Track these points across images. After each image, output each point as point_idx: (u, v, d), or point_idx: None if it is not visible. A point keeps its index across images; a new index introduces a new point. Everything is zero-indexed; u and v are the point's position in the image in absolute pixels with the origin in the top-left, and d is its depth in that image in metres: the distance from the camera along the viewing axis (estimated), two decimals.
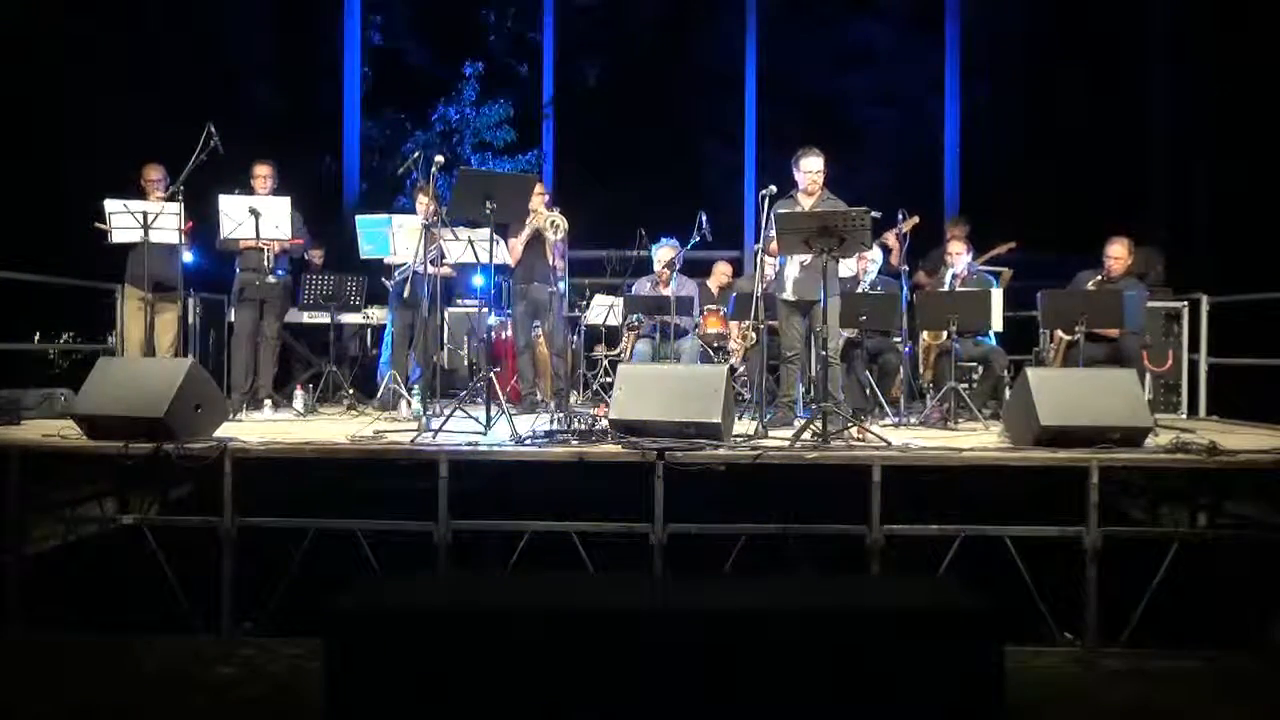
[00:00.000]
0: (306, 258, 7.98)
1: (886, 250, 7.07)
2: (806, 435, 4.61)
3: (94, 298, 6.93)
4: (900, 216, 6.77)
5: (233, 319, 7.18)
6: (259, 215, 6.12)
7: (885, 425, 5.60)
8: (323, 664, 2.94)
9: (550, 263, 6.55)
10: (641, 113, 11.72)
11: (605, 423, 4.50)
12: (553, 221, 6.37)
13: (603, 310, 7.68)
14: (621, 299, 7.30)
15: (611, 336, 7.77)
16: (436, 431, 4.62)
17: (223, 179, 6.28)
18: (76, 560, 4.56)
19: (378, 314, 7.61)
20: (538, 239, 6.50)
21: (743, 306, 6.77)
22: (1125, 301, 5.71)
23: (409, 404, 6.01)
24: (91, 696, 3.69)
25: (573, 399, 6.68)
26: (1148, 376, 6.40)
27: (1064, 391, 4.42)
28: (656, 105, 11.83)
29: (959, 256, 6.56)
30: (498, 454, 4.33)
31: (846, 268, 6.55)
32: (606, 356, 7.63)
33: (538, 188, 6.69)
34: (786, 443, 4.49)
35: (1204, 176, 9.44)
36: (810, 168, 5.43)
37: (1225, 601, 4.31)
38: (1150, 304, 6.64)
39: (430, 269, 5.91)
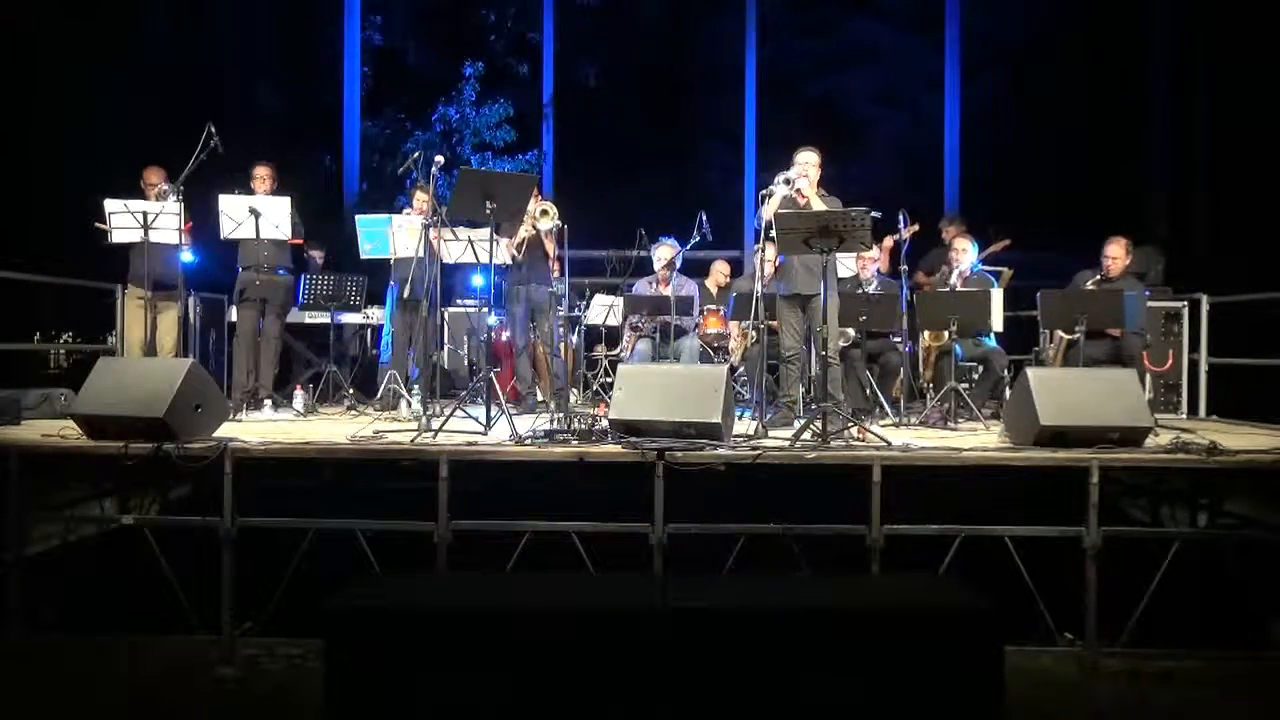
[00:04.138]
0: (306, 256, 7.98)
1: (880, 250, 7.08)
2: (806, 435, 4.61)
3: (94, 298, 6.93)
4: (901, 221, 6.74)
5: (233, 319, 7.18)
6: (259, 215, 6.13)
7: (885, 425, 5.60)
8: (323, 664, 2.95)
9: (549, 261, 6.56)
10: (641, 113, 11.72)
11: (605, 423, 4.50)
12: (543, 210, 6.37)
13: (603, 310, 7.68)
14: (621, 299, 7.30)
15: (611, 336, 7.77)
16: (436, 431, 4.62)
17: (223, 179, 6.29)
18: (76, 560, 4.56)
19: (377, 314, 7.62)
20: (535, 238, 6.51)
21: (743, 306, 6.77)
22: (1125, 301, 5.71)
23: (409, 404, 6.01)
24: (91, 696, 3.69)
25: (573, 399, 6.68)
26: (1148, 376, 6.40)
27: (1064, 391, 4.42)
28: (656, 105, 11.83)
29: (964, 254, 6.54)
30: (498, 454, 4.33)
31: (846, 268, 6.55)
32: (606, 356, 7.63)
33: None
34: (786, 443, 4.49)
35: (1204, 176, 9.43)
36: (800, 160, 5.46)
37: (1225, 601, 4.31)
38: (1150, 304, 6.64)
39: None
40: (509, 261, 6.63)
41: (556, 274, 6.72)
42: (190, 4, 9.63)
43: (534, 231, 6.50)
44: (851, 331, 6.37)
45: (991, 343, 6.41)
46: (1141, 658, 4.06)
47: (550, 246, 6.53)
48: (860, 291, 6.52)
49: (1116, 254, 6.16)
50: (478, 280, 7.50)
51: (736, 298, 7.03)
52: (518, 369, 6.86)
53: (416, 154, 6.29)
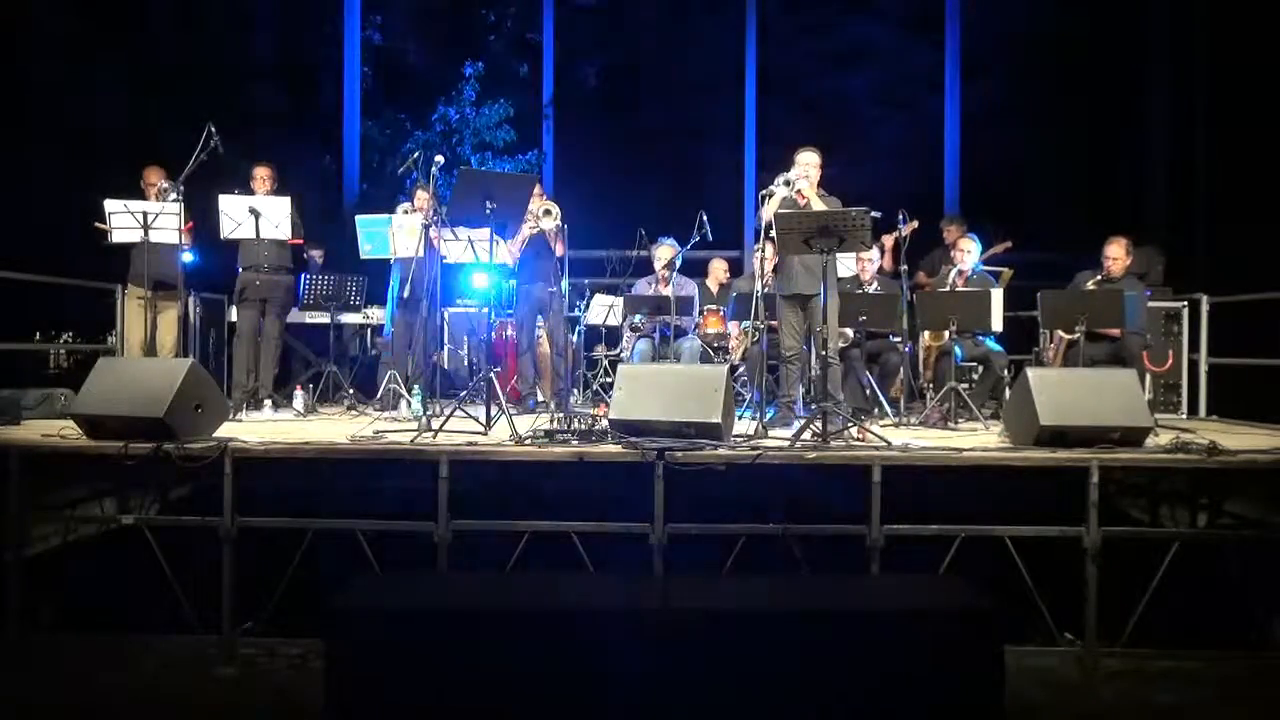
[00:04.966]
0: (306, 256, 7.98)
1: (883, 251, 7.09)
2: (806, 435, 4.61)
3: (94, 298, 6.93)
4: (901, 219, 6.76)
5: (233, 319, 7.18)
6: (259, 215, 6.13)
7: (885, 425, 5.60)
8: (323, 664, 2.95)
9: (554, 258, 6.55)
10: (641, 113, 11.71)
11: (605, 423, 4.50)
12: (546, 210, 6.38)
13: (603, 310, 7.68)
14: (621, 299, 7.30)
15: (611, 336, 7.77)
16: (436, 431, 4.62)
17: (223, 179, 6.29)
18: (76, 560, 4.56)
19: (378, 314, 7.62)
20: (539, 236, 6.52)
21: (743, 306, 6.77)
22: (1125, 301, 5.71)
23: (409, 404, 6.01)
24: (92, 696, 3.69)
25: (573, 399, 6.68)
26: (1148, 376, 6.40)
27: (1064, 391, 4.42)
28: (656, 105, 11.82)
29: (968, 254, 6.54)
30: (498, 454, 4.33)
31: (846, 268, 6.55)
32: (606, 356, 7.63)
33: (535, 189, 6.69)
34: (786, 443, 4.49)
35: (1204, 176, 9.44)
36: (800, 161, 5.46)
37: (1225, 601, 4.31)
38: (1150, 304, 6.64)
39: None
40: (509, 262, 6.64)
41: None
42: (190, 4, 9.64)
43: (536, 230, 6.51)
44: (850, 331, 6.37)
45: (992, 343, 6.41)
46: (1141, 658, 4.06)
47: (557, 246, 6.52)
48: (860, 291, 6.53)
49: (1117, 254, 6.16)
50: (478, 281, 7.46)
51: (736, 298, 7.03)
52: (520, 368, 6.86)
53: (416, 154, 6.30)
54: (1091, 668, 4.02)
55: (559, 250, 6.51)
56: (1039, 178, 10.34)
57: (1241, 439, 4.97)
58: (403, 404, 6.11)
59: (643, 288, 7.06)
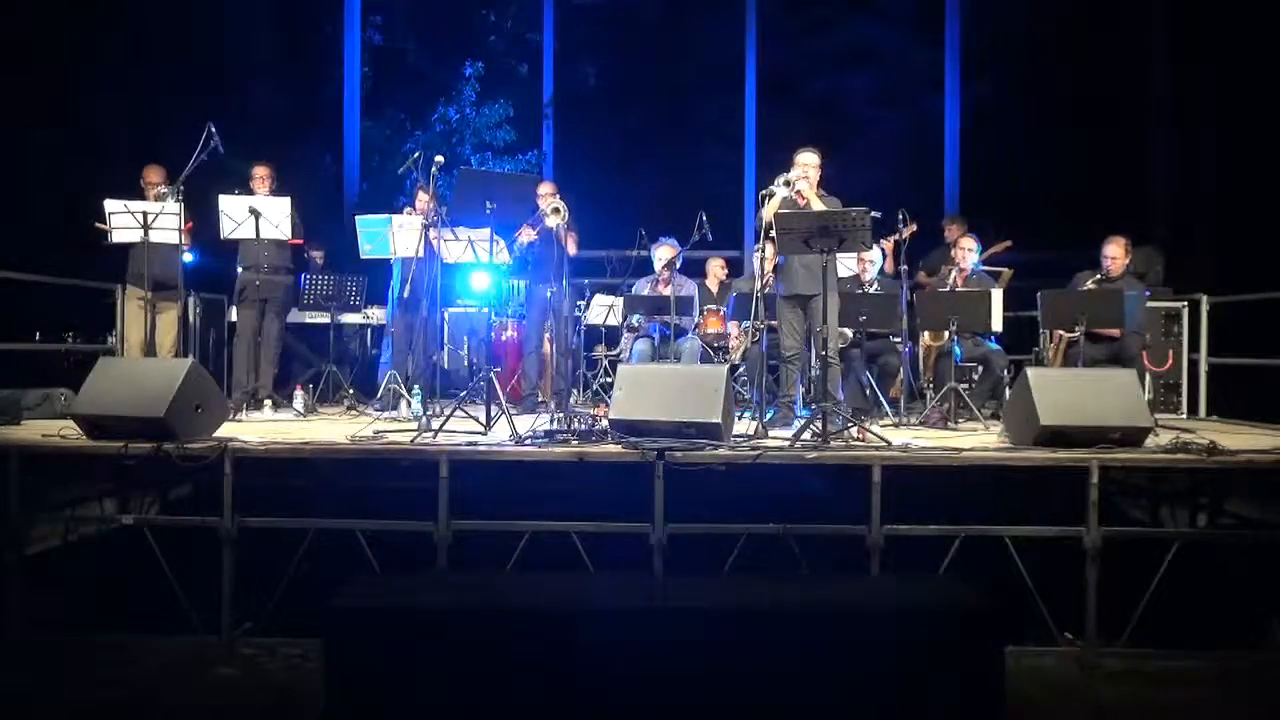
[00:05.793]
0: (306, 256, 7.99)
1: (884, 253, 7.09)
2: (806, 435, 4.61)
3: (94, 298, 6.93)
4: (901, 220, 6.76)
5: (233, 319, 7.18)
6: (259, 215, 6.13)
7: (885, 425, 5.60)
8: (323, 664, 2.95)
9: (565, 254, 6.54)
10: (641, 113, 11.71)
11: (605, 423, 4.50)
12: (555, 208, 6.37)
13: (603, 310, 7.69)
14: (621, 299, 7.30)
15: (611, 336, 7.77)
16: (436, 431, 4.62)
17: (223, 179, 6.29)
18: (76, 560, 4.56)
19: (378, 314, 7.62)
20: (549, 235, 6.51)
21: (743, 306, 6.77)
22: (1125, 301, 5.72)
23: (409, 404, 6.01)
24: (91, 696, 3.69)
25: (573, 399, 6.68)
26: (1148, 376, 6.40)
27: (1064, 391, 4.42)
28: (656, 105, 11.82)
29: (969, 254, 6.54)
30: (498, 454, 4.33)
31: (846, 268, 6.55)
32: (606, 356, 7.63)
33: (546, 187, 6.66)
34: (786, 443, 4.49)
35: (1204, 176, 9.43)
36: (800, 161, 5.46)
37: (1225, 601, 4.31)
38: (1150, 304, 6.64)
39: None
40: (509, 261, 6.63)
41: None
42: (190, 4, 9.62)
43: (536, 234, 6.50)
44: (850, 331, 6.37)
45: (991, 343, 6.41)
46: (1141, 658, 4.06)
47: (569, 245, 6.48)
48: (860, 292, 6.53)
49: (1116, 254, 6.17)
50: (478, 281, 7.46)
51: (736, 298, 7.03)
52: (525, 367, 6.85)
53: (416, 154, 6.29)
54: (1091, 667, 4.02)
55: (571, 249, 6.47)
56: (1039, 178, 10.33)
57: (1241, 439, 4.97)
58: (403, 404, 6.11)
59: (643, 288, 7.06)
